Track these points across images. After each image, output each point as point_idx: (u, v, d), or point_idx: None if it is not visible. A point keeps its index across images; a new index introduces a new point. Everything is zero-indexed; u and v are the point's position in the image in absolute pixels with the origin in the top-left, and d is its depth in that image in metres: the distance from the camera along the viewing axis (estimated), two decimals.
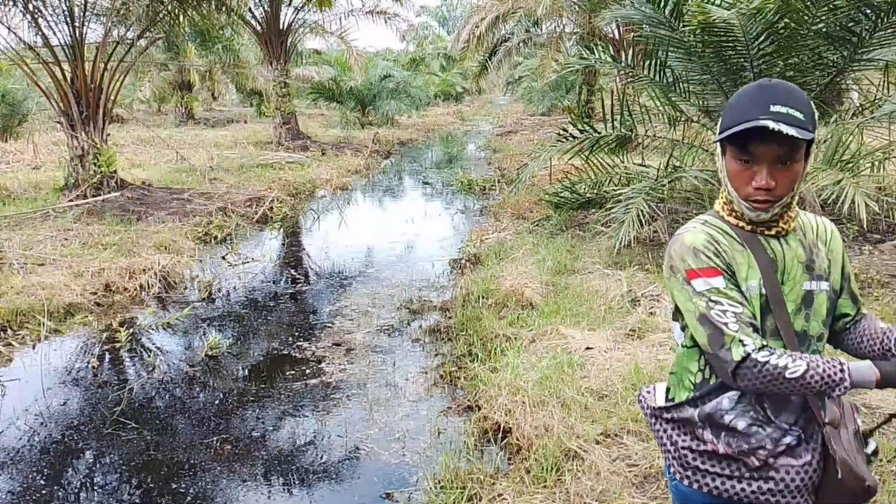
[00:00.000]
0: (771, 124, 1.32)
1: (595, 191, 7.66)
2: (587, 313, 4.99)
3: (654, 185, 6.56)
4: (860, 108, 6.81)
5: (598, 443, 3.23)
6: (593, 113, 14.29)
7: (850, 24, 6.10)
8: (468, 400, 4.09)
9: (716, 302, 1.41)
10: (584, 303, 5.21)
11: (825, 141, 6.05)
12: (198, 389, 4.54)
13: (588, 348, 4.35)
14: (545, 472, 3.09)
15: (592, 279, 5.82)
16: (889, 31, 6.19)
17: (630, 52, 7.43)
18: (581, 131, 7.28)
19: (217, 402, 4.34)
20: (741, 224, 1.50)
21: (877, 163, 6.39)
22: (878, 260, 6.10)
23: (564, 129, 7.37)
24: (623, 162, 7.68)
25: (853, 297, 1.61)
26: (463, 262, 7.04)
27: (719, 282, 1.42)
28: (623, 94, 7.51)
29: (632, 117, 7.23)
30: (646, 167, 7.47)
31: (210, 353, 5.03)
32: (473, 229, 8.52)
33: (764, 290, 1.45)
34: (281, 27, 16.57)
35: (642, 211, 6.19)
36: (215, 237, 8.49)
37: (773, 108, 1.35)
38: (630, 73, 7.49)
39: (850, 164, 5.62)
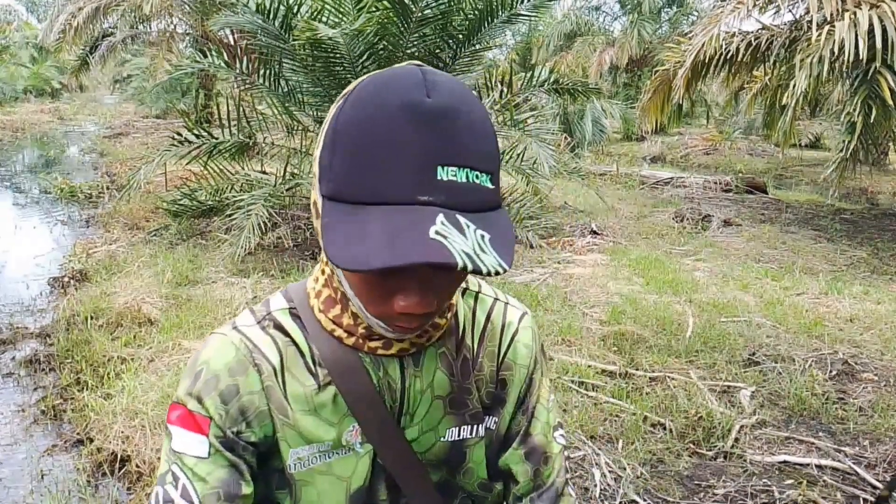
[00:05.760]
0: (444, 248, 0.60)
1: (216, 198, 7.48)
2: (212, 324, 4.86)
3: (274, 191, 6.68)
4: None
5: None
6: (212, 118, 13.92)
7: (437, 51, 7.01)
8: (77, 433, 3.67)
9: (175, 479, 0.78)
10: (209, 313, 5.07)
11: None
12: None
13: None
14: None
15: (217, 288, 5.68)
16: (467, 58, 7.29)
17: (245, 60, 7.43)
18: (197, 136, 7.04)
19: None
20: (341, 335, 0.82)
21: None
22: None
23: (179, 134, 7.04)
24: (244, 169, 7.65)
25: (534, 452, 0.91)
26: (66, 279, 6.25)
27: (198, 446, 0.78)
28: (239, 101, 7.48)
29: (249, 124, 7.25)
30: (266, 174, 7.54)
31: None
32: (78, 242, 7.62)
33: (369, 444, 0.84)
34: None
35: (264, 217, 6.25)
36: None
37: (443, 177, 0.64)
38: (246, 81, 7.49)
39: None
